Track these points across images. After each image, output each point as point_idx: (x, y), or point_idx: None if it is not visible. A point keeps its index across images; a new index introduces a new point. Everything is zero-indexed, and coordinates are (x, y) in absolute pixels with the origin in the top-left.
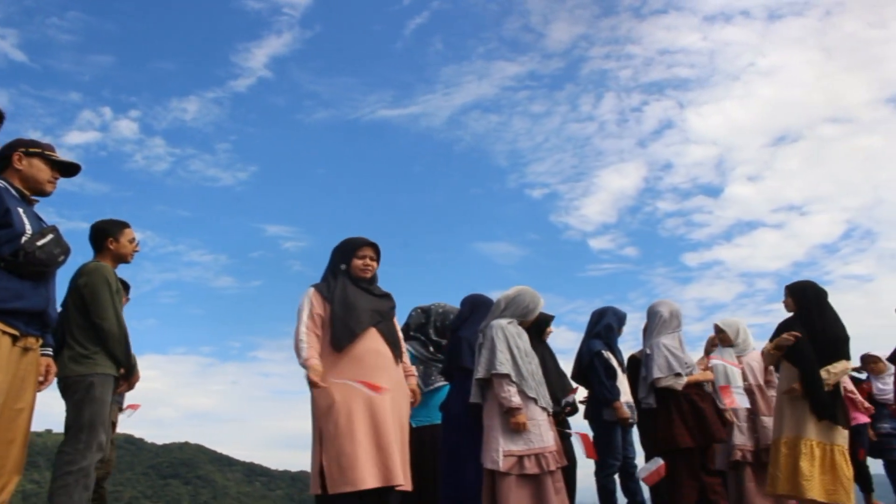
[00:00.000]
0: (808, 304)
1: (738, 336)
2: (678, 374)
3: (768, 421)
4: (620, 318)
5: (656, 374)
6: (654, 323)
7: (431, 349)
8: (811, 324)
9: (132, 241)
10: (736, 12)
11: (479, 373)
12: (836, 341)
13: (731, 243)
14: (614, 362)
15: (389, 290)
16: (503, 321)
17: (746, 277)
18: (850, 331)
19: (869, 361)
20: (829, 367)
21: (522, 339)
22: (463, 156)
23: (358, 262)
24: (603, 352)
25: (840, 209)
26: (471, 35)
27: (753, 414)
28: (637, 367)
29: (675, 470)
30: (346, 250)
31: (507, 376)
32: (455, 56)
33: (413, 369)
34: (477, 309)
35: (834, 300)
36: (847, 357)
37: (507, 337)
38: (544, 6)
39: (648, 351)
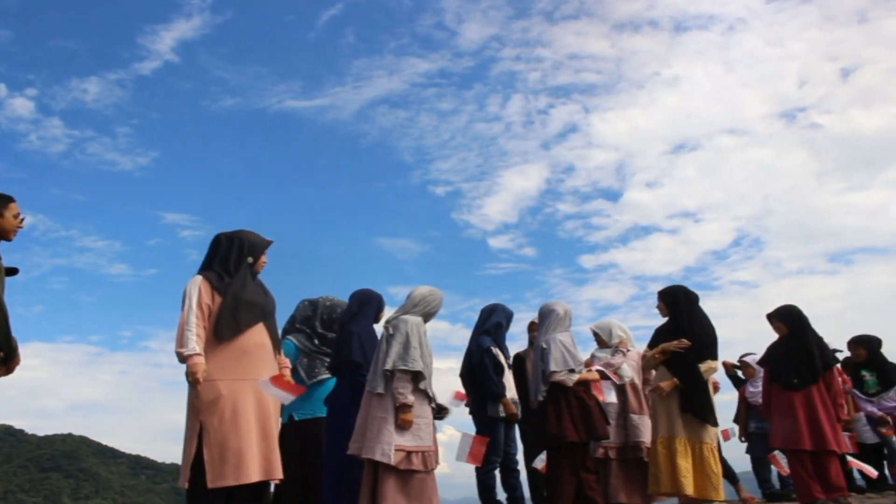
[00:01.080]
0: (679, 307)
1: (611, 337)
2: (572, 370)
3: (637, 419)
4: (509, 316)
5: (552, 367)
6: (550, 320)
7: (316, 342)
8: (682, 326)
9: (17, 216)
10: (644, 22)
11: (388, 364)
12: (704, 343)
13: (626, 247)
14: (502, 359)
15: (290, 282)
16: (417, 318)
17: (639, 280)
18: (735, 335)
19: (742, 366)
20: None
21: (426, 338)
22: (368, 150)
23: (263, 259)
24: (492, 348)
25: (731, 218)
26: (384, 29)
27: (625, 411)
28: (522, 364)
29: (557, 465)
30: (257, 245)
31: (417, 374)
32: (367, 49)
33: (287, 362)
34: (366, 304)
35: (721, 305)
36: (714, 357)
37: (420, 334)
38: (458, 5)
39: (545, 345)
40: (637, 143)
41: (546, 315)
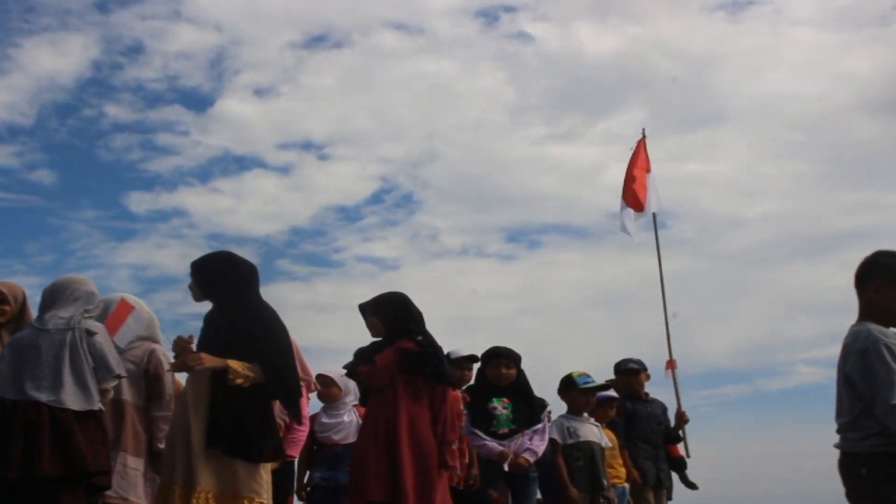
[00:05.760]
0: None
1: None
2: None
3: None
4: None
5: None
6: None
7: None
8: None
9: None
10: None
11: None
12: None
13: (206, 187)
14: None
15: None
16: None
17: (216, 239)
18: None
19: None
20: None
21: None
22: None
23: None
24: None
25: (375, 158)
26: None
27: None
28: None
29: None
30: None
31: None
32: None
33: None
34: None
35: (338, 290)
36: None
37: None
38: None
39: None
40: (250, 25)
41: None
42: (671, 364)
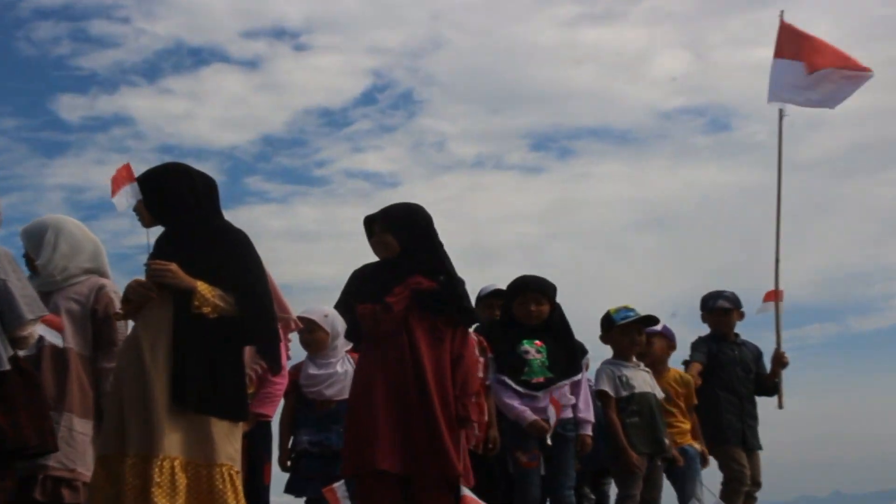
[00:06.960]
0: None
1: None
2: None
3: None
4: None
5: None
6: None
7: None
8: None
9: None
10: None
11: None
12: None
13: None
14: None
15: None
16: None
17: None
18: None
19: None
20: None
21: None
22: None
23: None
24: None
25: (367, 48)
26: None
27: None
28: None
29: None
30: None
31: None
32: None
33: None
34: None
35: (331, 213)
36: None
37: None
38: None
39: None
40: None
41: None
42: (777, 295)
